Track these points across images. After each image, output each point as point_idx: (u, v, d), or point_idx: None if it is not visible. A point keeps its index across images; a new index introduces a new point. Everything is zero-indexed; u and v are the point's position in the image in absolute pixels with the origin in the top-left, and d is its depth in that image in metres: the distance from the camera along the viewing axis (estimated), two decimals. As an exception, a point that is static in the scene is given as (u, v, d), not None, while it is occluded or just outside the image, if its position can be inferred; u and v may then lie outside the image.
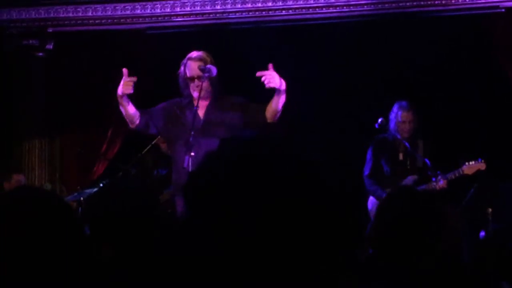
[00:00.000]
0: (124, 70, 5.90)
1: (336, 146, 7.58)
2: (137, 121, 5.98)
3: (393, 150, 7.18)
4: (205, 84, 5.88)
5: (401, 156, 7.16)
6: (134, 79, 5.85)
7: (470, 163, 6.97)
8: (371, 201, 7.13)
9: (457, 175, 6.96)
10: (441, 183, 6.89)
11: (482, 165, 6.96)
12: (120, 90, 5.87)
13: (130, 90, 5.85)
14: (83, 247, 1.84)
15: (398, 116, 7.13)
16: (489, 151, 7.35)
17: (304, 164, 1.41)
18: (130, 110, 5.93)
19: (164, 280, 2.25)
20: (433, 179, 6.92)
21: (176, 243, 1.47)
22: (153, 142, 7.44)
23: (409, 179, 7.02)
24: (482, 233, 6.12)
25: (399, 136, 7.13)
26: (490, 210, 6.52)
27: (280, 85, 5.80)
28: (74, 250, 1.81)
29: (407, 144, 7.08)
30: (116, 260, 2.77)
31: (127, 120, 6.00)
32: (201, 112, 5.97)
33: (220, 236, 1.35)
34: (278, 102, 5.85)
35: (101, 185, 6.80)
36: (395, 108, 7.18)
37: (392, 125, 7.16)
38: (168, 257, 2.25)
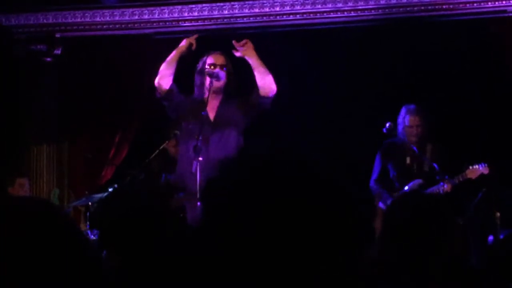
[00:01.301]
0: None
1: (342, 149, 7.57)
2: (171, 81, 6.14)
3: (401, 154, 7.16)
4: (214, 87, 5.95)
5: (408, 160, 7.14)
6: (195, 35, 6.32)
7: (474, 167, 6.93)
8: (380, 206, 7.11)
9: (460, 179, 6.92)
10: (446, 187, 6.86)
11: (485, 169, 6.92)
12: (188, 41, 6.21)
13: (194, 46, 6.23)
14: (85, 261, 1.84)
15: (405, 120, 7.11)
16: (496, 155, 7.34)
17: (310, 165, 1.42)
18: (175, 66, 6.13)
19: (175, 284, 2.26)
20: (441, 183, 6.90)
21: (191, 247, 1.48)
22: (161, 147, 7.44)
23: (415, 183, 7.00)
24: (491, 238, 6.11)
25: (407, 140, 7.10)
26: (498, 214, 6.50)
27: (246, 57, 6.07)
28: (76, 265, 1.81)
29: (414, 148, 7.05)
30: (125, 265, 2.77)
31: (164, 73, 6.15)
32: (212, 112, 6.01)
33: (232, 238, 1.36)
34: (254, 70, 6.03)
35: (110, 189, 6.81)
36: (402, 112, 7.15)
37: (400, 129, 7.14)
38: (180, 260, 2.25)
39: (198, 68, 6.16)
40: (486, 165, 6.93)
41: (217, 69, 6.02)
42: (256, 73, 6.01)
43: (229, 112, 6.03)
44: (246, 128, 6.12)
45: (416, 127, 7.08)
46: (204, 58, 6.16)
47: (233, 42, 6.09)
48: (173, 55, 6.16)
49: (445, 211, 2.77)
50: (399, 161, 7.15)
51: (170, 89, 6.10)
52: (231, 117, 6.02)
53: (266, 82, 6.00)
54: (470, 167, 6.93)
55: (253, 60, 6.04)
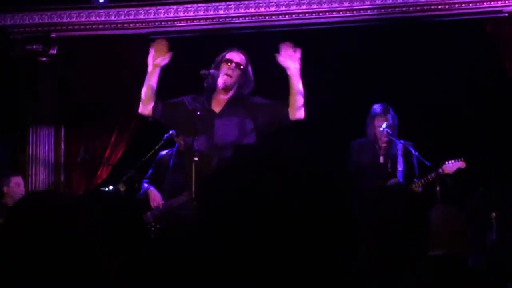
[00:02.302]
0: (159, 41, 5.93)
1: (337, 148, 7.56)
2: (153, 102, 5.94)
3: (373, 154, 7.12)
4: (219, 86, 5.91)
5: (381, 160, 7.10)
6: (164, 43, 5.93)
7: (450, 162, 6.90)
8: None
9: (437, 175, 6.86)
10: (414, 186, 6.83)
11: (462, 164, 6.88)
12: (159, 59, 5.87)
13: (167, 59, 5.90)
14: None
15: (375, 119, 7.08)
16: (493, 154, 7.35)
17: (308, 165, 1.41)
18: (154, 86, 5.92)
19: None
20: (415, 181, 6.86)
21: (187, 246, 1.48)
22: (156, 148, 7.43)
23: (391, 183, 6.95)
24: (488, 237, 6.09)
25: (377, 140, 7.07)
26: (494, 214, 6.50)
27: (289, 67, 5.79)
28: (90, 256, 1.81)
29: (408, 144, 7.01)
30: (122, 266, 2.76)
31: (146, 98, 5.96)
32: (218, 106, 5.95)
33: (228, 237, 1.35)
34: (294, 85, 5.78)
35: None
36: (371, 112, 7.13)
37: (370, 128, 7.11)
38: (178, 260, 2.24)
39: (216, 62, 6.05)
40: (462, 159, 6.90)
41: (213, 70, 5.95)
42: (294, 89, 5.77)
43: (237, 111, 5.94)
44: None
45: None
46: (224, 53, 6.05)
47: (283, 44, 5.82)
48: (147, 77, 5.95)
49: (418, 206, 2.72)
50: (372, 160, 7.10)
51: (155, 107, 5.94)
52: (238, 116, 5.92)
53: (299, 107, 5.78)
54: (446, 163, 6.90)
55: (297, 73, 5.79)
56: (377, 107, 7.10)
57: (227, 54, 5.97)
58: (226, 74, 5.89)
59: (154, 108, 5.95)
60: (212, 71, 5.92)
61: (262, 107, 5.93)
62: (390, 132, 7.01)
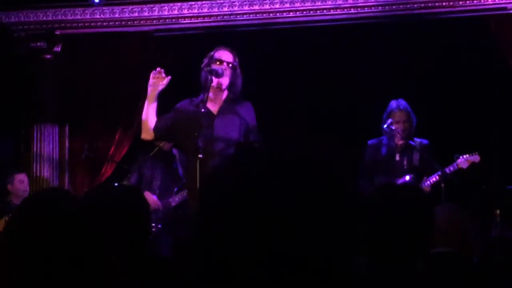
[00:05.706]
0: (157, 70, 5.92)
1: (344, 144, 7.55)
2: (153, 125, 5.94)
3: (389, 151, 7.08)
4: (215, 83, 5.88)
5: (397, 157, 7.06)
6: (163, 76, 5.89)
7: (464, 156, 6.87)
8: None
9: (452, 169, 6.85)
10: (427, 184, 6.81)
11: (476, 158, 6.85)
12: (157, 85, 5.87)
13: (164, 84, 5.87)
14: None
15: (391, 115, 7.04)
16: (496, 152, 7.34)
17: (309, 163, 1.41)
18: (154, 110, 5.94)
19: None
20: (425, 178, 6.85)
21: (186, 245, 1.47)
22: (160, 144, 7.44)
23: (405, 179, 6.92)
24: (491, 235, 6.07)
25: (394, 136, 7.04)
26: (498, 211, 6.48)
27: None
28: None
29: (411, 142, 6.99)
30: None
31: (146, 123, 5.95)
32: (215, 106, 5.94)
33: (228, 236, 1.35)
34: None
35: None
36: (388, 108, 7.08)
37: (386, 124, 7.06)
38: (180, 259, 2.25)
39: (204, 64, 6.03)
40: (476, 153, 6.87)
41: (216, 66, 5.93)
42: None
43: (233, 111, 5.94)
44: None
45: (403, 122, 6.99)
46: (211, 53, 6.04)
47: None
48: (146, 102, 5.96)
49: (421, 202, 2.72)
50: (388, 157, 7.06)
51: (156, 129, 5.93)
52: (235, 116, 5.93)
53: None
54: (461, 157, 6.87)
55: None
56: (395, 103, 7.05)
57: (215, 53, 5.96)
58: (218, 76, 5.90)
59: (155, 130, 5.96)
60: (215, 67, 5.89)
61: (248, 128, 5.96)
62: (393, 128, 6.99)
